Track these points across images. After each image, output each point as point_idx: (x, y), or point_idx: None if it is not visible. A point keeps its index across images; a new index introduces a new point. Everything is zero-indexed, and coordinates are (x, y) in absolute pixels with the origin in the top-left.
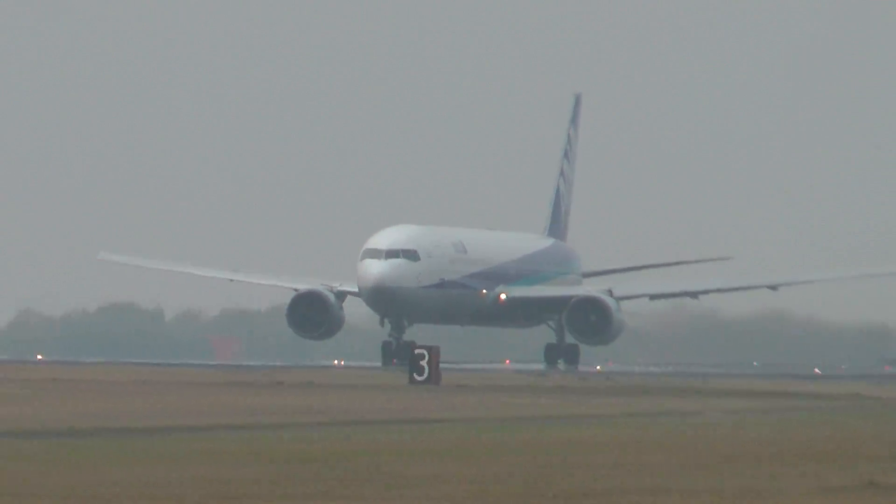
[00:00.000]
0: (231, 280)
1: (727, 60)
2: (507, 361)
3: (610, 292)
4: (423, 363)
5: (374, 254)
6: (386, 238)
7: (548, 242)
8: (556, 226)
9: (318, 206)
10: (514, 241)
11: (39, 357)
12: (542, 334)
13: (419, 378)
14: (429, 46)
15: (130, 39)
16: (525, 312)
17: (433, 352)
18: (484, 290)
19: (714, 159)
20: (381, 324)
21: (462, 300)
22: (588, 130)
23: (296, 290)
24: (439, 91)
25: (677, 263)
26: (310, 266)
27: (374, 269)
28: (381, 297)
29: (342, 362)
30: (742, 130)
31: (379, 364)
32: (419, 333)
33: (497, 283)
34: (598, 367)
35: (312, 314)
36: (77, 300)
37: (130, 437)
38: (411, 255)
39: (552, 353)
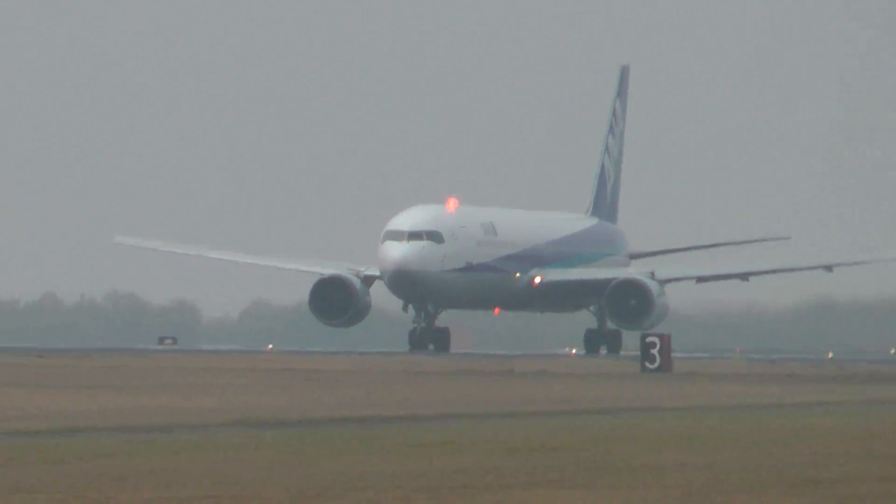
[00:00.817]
0: (255, 265)
1: (783, 28)
2: (573, 352)
3: (652, 274)
4: (655, 352)
5: (396, 235)
6: (408, 219)
7: (591, 223)
8: (602, 205)
9: (344, 185)
10: (552, 221)
11: (270, 346)
12: (583, 319)
13: (651, 366)
14: (465, 12)
15: (151, 22)
16: (562, 297)
17: (664, 340)
18: (517, 273)
19: (769, 134)
20: (405, 309)
21: (492, 284)
22: (635, 104)
23: (321, 274)
24: (473, 61)
25: (730, 244)
26: (335, 249)
27: (395, 251)
28: (403, 282)
29: (573, 350)
30: (797, 104)
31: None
32: (447, 319)
33: (531, 265)
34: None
35: (336, 300)
36: None
37: (368, 427)
38: (435, 236)
39: (592, 339)
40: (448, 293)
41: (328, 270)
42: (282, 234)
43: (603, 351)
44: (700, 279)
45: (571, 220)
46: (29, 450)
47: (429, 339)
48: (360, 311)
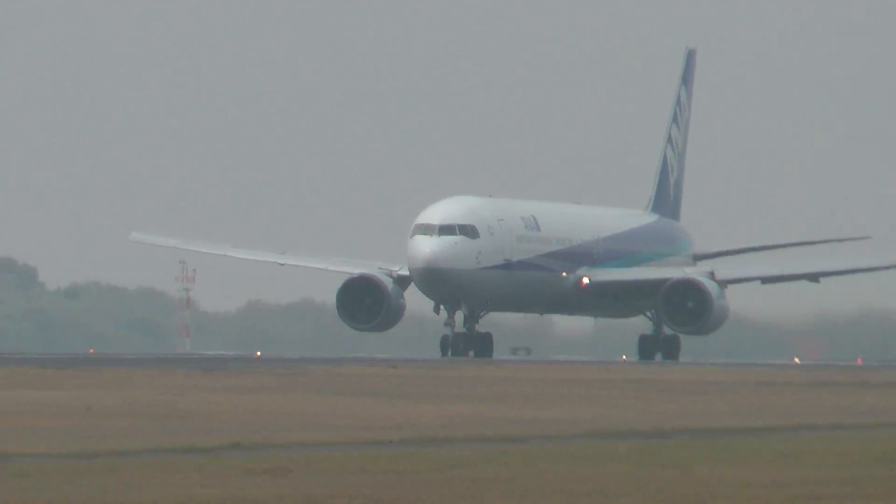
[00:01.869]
0: (281, 264)
1: (862, 9)
2: (623, 357)
3: (712, 275)
4: None
5: (426, 230)
6: (440, 211)
7: (649, 219)
8: (663, 201)
9: (379, 178)
10: (605, 216)
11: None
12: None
13: None
14: None
15: (168, 18)
16: (613, 299)
17: None
18: (564, 273)
19: (846, 126)
20: (436, 310)
21: (534, 284)
22: (702, 92)
23: (349, 274)
24: (524, 41)
25: (805, 244)
26: (367, 247)
27: (425, 247)
28: (433, 280)
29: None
30: (875, 95)
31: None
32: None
33: (580, 264)
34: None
35: (367, 302)
36: None
37: (716, 437)
38: (469, 230)
39: (647, 346)
40: (484, 293)
41: (357, 270)
42: (310, 231)
43: (658, 358)
44: (765, 280)
45: (628, 216)
46: (382, 459)
47: (468, 345)
48: (392, 315)
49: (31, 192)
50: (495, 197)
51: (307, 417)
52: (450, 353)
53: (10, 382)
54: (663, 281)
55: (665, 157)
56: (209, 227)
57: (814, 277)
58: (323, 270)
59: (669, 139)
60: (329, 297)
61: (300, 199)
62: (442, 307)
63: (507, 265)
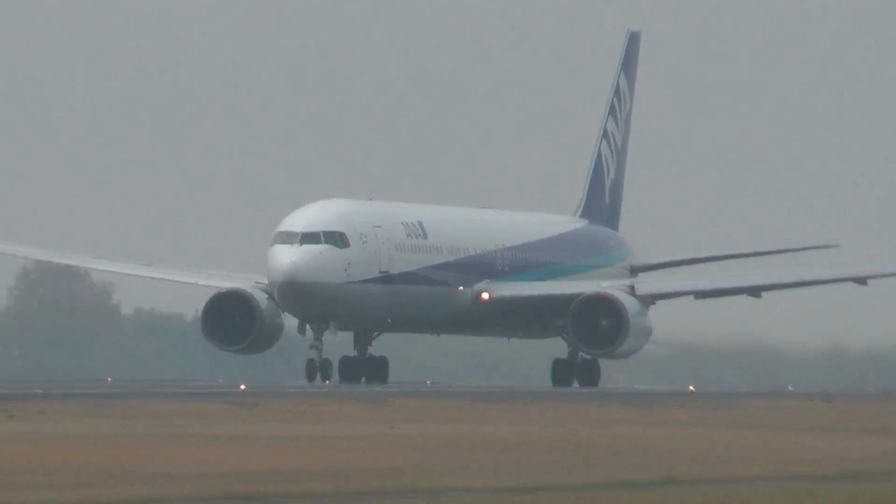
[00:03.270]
0: (152, 278)
1: None
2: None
3: (632, 288)
4: None
5: (287, 238)
6: (304, 217)
7: (575, 225)
8: (596, 205)
9: (263, 181)
10: (514, 222)
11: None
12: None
13: None
14: None
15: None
16: (521, 317)
17: None
18: (461, 287)
19: (807, 123)
20: (301, 331)
21: (420, 300)
22: (646, 80)
23: (218, 288)
24: (419, 14)
25: (766, 254)
26: (247, 258)
27: (284, 257)
28: (293, 296)
29: None
30: (835, 83)
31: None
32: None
33: (480, 276)
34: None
35: (237, 321)
36: None
37: None
38: (337, 238)
39: (562, 372)
40: (356, 311)
41: (227, 283)
42: (182, 241)
43: (575, 385)
44: (699, 294)
45: (546, 223)
46: (821, 494)
47: (360, 369)
48: (265, 335)
49: None
50: (377, 200)
51: (738, 451)
52: (318, 377)
53: (444, 417)
54: (575, 296)
55: (599, 154)
56: (63, 237)
57: (755, 292)
58: (192, 285)
59: (605, 134)
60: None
61: (172, 205)
62: (308, 327)
63: (385, 278)
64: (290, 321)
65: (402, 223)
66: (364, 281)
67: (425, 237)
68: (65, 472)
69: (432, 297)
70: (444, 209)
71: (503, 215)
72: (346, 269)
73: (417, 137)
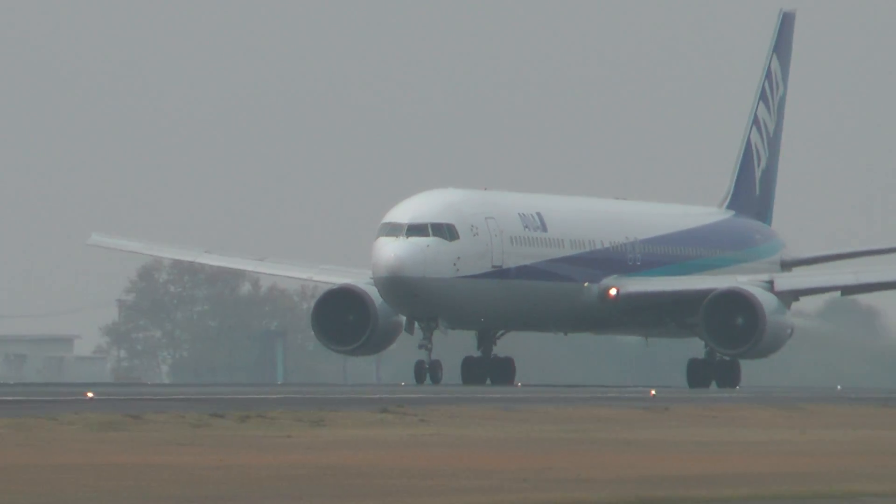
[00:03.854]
0: (265, 273)
1: None
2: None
3: (771, 284)
4: None
5: (392, 230)
6: (411, 208)
7: (719, 217)
8: (745, 195)
9: (377, 174)
10: (649, 214)
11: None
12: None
13: None
14: None
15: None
16: (652, 314)
17: None
18: (586, 283)
19: None
20: (408, 329)
21: (539, 297)
22: (801, 64)
23: (331, 285)
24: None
25: None
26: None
27: (389, 251)
28: (398, 292)
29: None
30: None
31: None
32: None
33: (608, 271)
34: None
35: (350, 319)
36: None
37: None
38: (445, 230)
39: (698, 372)
40: (467, 308)
41: (340, 279)
42: (293, 236)
43: (713, 387)
44: (846, 290)
45: (686, 215)
46: None
47: (486, 370)
48: (381, 335)
49: None
50: (492, 190)
51: None
52: (427, 379)
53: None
54: (708, 292)
55: (748, 141)
56: (175, 233)
57: None
58: (307, 281)
59: (755, 121)
60: None
61: (283, 201)
62: (417, 325)
63: (499, 273)
64: None
65: (519, 214)
66: (475, 276)
67: (545, 229)
68: (474, 475)
69: (553, 294)
70: (566, 199)
71: (635, 206)
72: (454, 263)
73: (559, 128)
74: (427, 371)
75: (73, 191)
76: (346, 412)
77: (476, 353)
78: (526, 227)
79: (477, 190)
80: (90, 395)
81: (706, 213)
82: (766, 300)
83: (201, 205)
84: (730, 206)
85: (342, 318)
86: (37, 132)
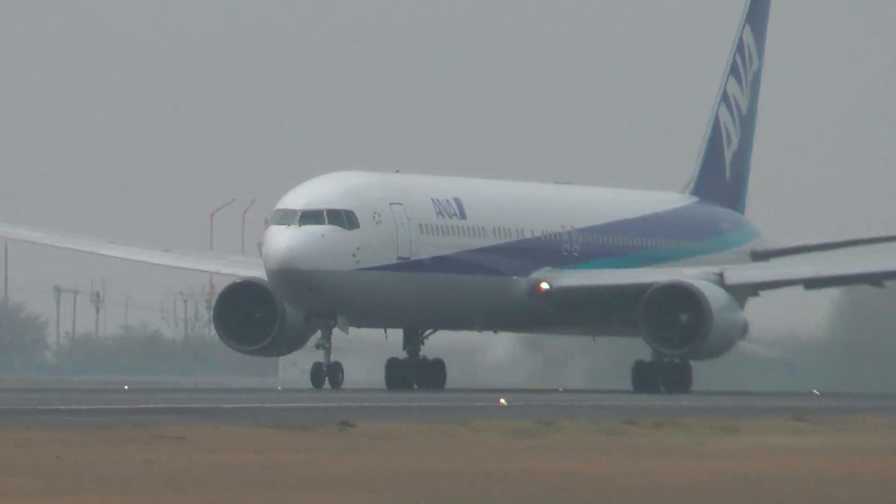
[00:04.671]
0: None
1: None
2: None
3: (721, 277)
4: None
5: (285, 217)
6: (306, 192)
7: (679, 204)
8: (712, 180)
9: (292, 156)
10: (589, 200)
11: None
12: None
13: None
14: None
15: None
16: (590, 311)
17: None
18: (514, 276)
19: None
20: (307, 324)
21: (456, 292)
22: (779, 35)
23: (235, 278)
24: None
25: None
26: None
27: (280, 240)
28: (290, 286)
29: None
30: None
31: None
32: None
33: (537, 264)
34: None
35: (257, 316)
36: None
37: None
38: (343, 217)
39: (644, 375)
40: (368, 304)
41: (251, 272)
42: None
43: (662, 391)
44: (809, 283)
45: (636, 201)
46: None
47: (412, 374)
48: (290, 333)
49: None
50: (406, 173)
51: None
52: (326, 382)
53: None
54: (648, 286)
55: (717, 120)
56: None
57: (875, 280)
58: (214, 274)
59: (725, 97)
60: None
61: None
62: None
63: (406, 265)
64: None
65: (432, 199)
66: (378, 268)
67: (462, 216)
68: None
69: (474, 288)
70: (489, 183)
71: (576, 192)
72: (354, 255)
73: (501, 105)
74: (325, 374)
75: None
76: (757, 420)
77: (402, 355)
78: (440, 213)
79: (385, 173)
80: None
81: (664, 199)
82: (714, 295)
83: (103, 194)
84: (694, 192)
85: (249, 314)
86: None
